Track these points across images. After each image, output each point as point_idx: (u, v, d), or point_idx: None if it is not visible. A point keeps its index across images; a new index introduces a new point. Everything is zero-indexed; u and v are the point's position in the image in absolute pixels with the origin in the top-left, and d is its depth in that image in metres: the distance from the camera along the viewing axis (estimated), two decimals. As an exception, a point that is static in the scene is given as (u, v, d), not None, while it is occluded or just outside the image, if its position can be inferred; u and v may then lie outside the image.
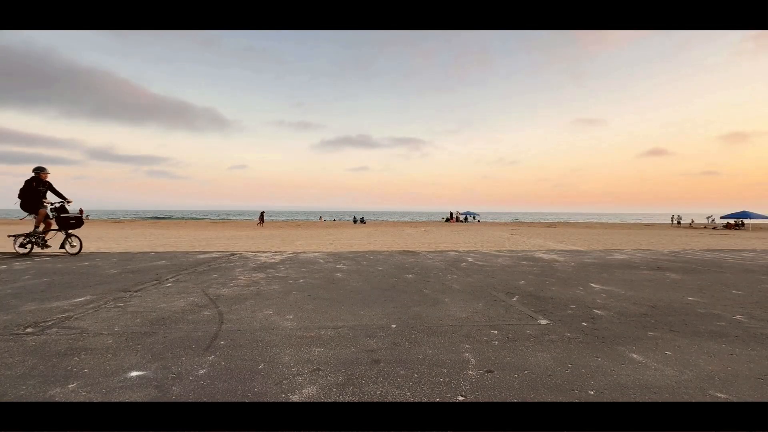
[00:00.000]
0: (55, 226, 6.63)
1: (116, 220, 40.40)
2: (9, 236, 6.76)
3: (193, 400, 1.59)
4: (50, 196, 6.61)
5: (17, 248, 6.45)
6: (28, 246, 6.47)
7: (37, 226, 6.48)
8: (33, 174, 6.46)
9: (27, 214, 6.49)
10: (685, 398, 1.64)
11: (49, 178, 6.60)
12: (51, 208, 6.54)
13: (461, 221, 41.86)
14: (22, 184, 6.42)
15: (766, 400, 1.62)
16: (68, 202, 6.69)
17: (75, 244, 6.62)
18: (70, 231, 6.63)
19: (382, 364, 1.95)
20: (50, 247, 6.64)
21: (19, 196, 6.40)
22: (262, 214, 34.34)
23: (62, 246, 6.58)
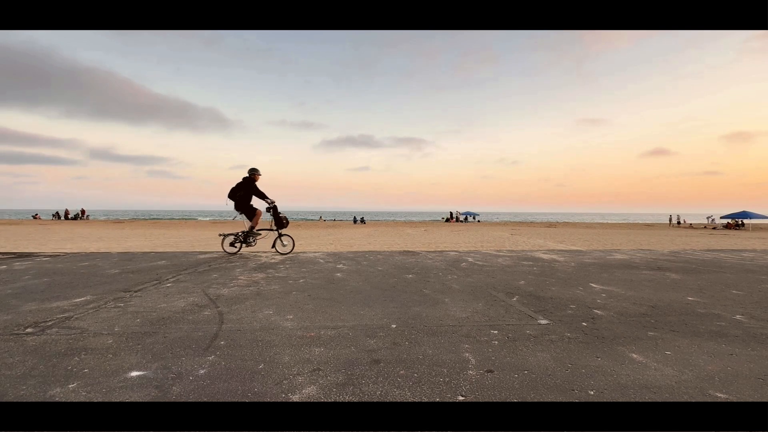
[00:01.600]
0: (266, 225, 6.78)
1: (116, 220, 40.42)
2: (219, 235, 6.92)
3: (193, 400, 1.59)
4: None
5: (227, 247, 6.59)
6: (238, 245, 6.59)
7: (253, 227, 6.60)
8: (248, 175, 6.59)
9: (238, 213, 6.63)
10: (685, 398, 1.64)
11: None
12: (267, 208, 6.66)
13: (461, 221, 41.88)
14: (234, 183, 6.58)
15: (766, 400, 1.62)
16: (273, 202, 6.76)
17: (287, 243, 6.75)
18: (282, 231, 6.76)
19: (382, 364, 1.96)
20: (253, 245, 6.72)
21: (231, 197, 6.54)
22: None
23: (273, 245, 6.79)
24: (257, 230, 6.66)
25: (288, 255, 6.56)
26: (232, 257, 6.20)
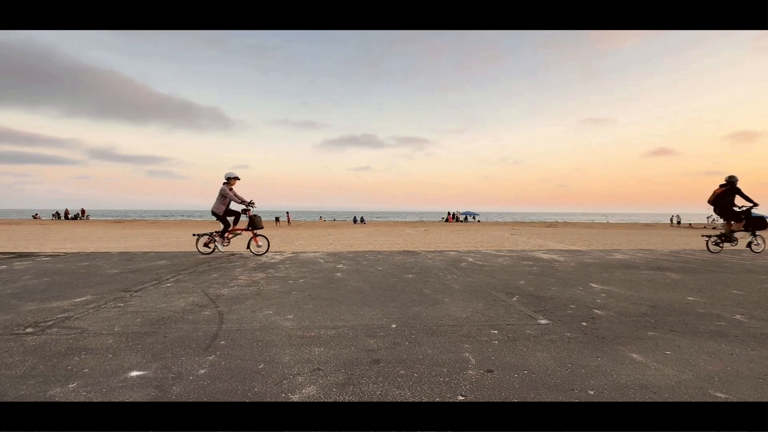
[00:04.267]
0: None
1: (117, 220, 40.44)
2: (703, 236, 7.62)
3: (193, 400, 1.59)
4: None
5: (711, 247, 7.23)
6: (722, 244, 7.15)
7: (734, 230, 7.08)
8: (729, 180, 6.85)
9: (718, 217, 7.21)
10: (685, 398, 1.64)
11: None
12: (741, 213, 7.03)
13: (461, 221, 41.88)
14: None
15: (766, 400, 1.62)
16: (756, 204, 6.98)
17: (759, 242, 7.14)
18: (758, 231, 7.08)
19: (382, 364, 1.96)
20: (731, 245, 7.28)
21: (713, 203, 7.01)
22: (287, 214, 36.95)
23: (747, 245, 7.25)
24: (733, 232, 7.16)
25: (289, 256, 6.56)
26: (231, 257, 6.20)
